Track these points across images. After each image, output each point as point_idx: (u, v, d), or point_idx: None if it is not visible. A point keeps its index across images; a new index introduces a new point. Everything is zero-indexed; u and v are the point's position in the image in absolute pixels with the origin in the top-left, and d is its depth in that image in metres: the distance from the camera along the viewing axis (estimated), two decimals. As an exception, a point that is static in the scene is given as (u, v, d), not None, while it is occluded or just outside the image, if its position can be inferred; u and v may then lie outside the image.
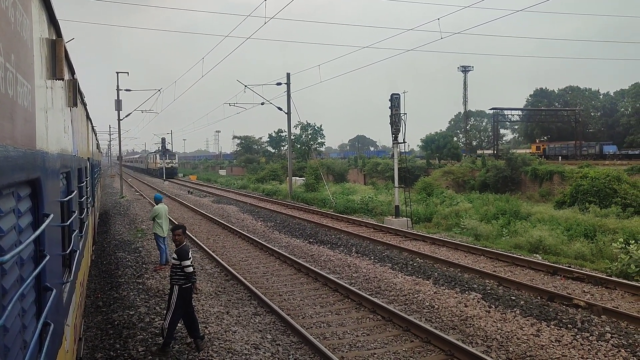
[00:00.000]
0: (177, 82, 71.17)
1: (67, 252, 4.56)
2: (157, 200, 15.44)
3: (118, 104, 37.14)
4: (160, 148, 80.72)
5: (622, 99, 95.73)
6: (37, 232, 2.62)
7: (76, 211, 5.59)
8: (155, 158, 78.46)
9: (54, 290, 2.98)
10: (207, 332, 9.11)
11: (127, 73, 38.47)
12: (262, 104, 38.22)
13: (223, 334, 9.13)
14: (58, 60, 3.78)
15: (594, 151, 68.67)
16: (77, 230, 5.68)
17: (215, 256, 16.14)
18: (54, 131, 3.68)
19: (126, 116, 40.23)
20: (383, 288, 12.69)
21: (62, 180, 4.56)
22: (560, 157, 67.82)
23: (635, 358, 7.99)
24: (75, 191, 5.57)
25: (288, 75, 37.13)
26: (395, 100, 24.82)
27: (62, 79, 4.04)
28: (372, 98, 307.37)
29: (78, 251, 5.54)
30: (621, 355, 8.11)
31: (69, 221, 4.59)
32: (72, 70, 5.53)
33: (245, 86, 36.31)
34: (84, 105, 9.85)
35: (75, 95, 5.40)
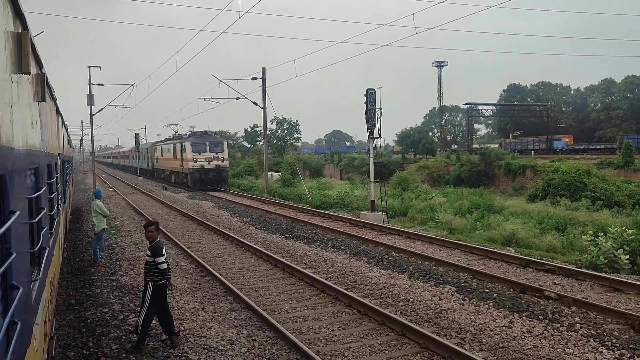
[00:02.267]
0: (150, 77, 70.15)
1: (36, 249, 4.47)
2: (97, 196, 15.23)
3: (90, 99, 36.47)
4: (191, 131, 45.80)
5: (592, 94, 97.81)
6: (2, 230, 2.57)
7: (45, 208, 5.49)
8: (181, 150, 42.61)
9: (21, 289, 2.92)
10: (182, 328, 9.05)
11: (100, 67, 37.81)
12: (238, 98, 37.97)
13: (198, 330, 9.07)
14: (24, 54, 3.69)
15: (544, 146, 73.81)
16: (46, 227, 5.58)
17: (190, 252, 16.02)
18: (20, 126, 3.60)
19: (99, 111, 39.55)
20: (359, 282, 12.75)
21: (30, 177, 4.47)
22: (516, 151, 70.54)
23: (603, 347, 8.18)
24: (44, 188, 5.46)
25: (263, 69, 36.97)
26: (370, 95, 24.89)
27: (29, 73, 3.96)
28: (348, 93, 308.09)
29: (48, 248, 5.44)
30: (590, 345, 8.29)
31: (37, 218, 4.50)
32: (39, 64, 5.42)
33: (220, 81, 36.00)
34: (54, 99, 9.66)
35: (43, 90, 5.29)
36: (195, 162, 40.52)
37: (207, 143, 41.49)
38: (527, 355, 8.15)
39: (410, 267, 13.60)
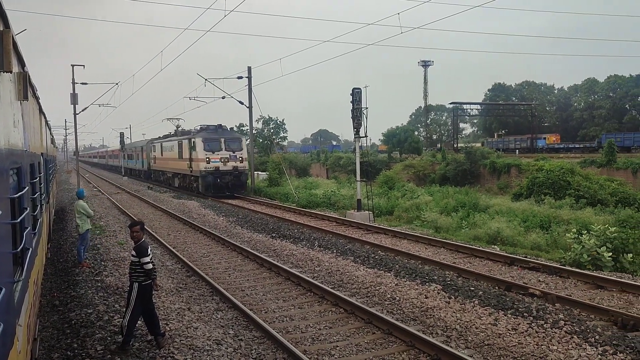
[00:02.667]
0: (135, 76, 69.53)
1: (19, 250, 4.42)
2: (79, 196, 15.08)
3: (74, 98, 36.06)
4: (200, 125, 37.14)
5: (575, 93, 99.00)
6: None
7: (28, 208, 5.42)
8: (189, 148, 35.24)
9: (4, 290, 2.88)
10: (168, 328, 8.99)
11: (83, 66, 37.42)
12: (223, 97, 37.75)
13: (184, 330, 9.03)
14: (5, 52, 3.65)
15: (525, 145, 75.18)
16: (29, 228, 5.51)
17: (176, 252, 15.93)
18: (1, 125, 3.55)
19: (82, 110, 39.13)
20: (345, 281, 12.77)
21: (13, 177, 4.42)
22: (500, 150, 71.74)
23: (587, 344, 8.27)
24: (27, 187, 5.40)
25: (249, 68, 36.86)
26: (356, 94, 24.94)
27: (11, 71, 3.91)
28: (334, 92, 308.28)
29: (31, 249, 5.38)
30: (574, 341, 8.39)
31: (20, 218, 4.45)
32: (22, 63, 5.35)
33: (206, 80, 35.81)
34: (37, 98, 9.55)
35: (25, 88, 5.22)
36: (208, 162, 33.28)
37: (223, 139, 34.14)
38: (512, 352, 8.22)
39: (397, 266, 13.65)
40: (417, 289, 11.62)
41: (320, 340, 8.95)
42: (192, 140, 34.80)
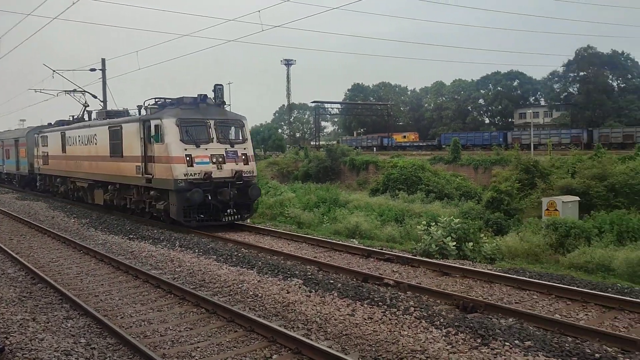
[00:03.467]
0: (-32, 64, 62.22)
1: None
2: None
3: None
4: (162, 100, 20.49)
5: (426, 95, 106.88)
6: None
7: None
8: (142, 137, 19.42)
9: None
10: (9, 343, 8.18)
11: None
12: (74, 90, 35.21)
13: (28, 343, 8.27)
14: None
15: (377, 143, 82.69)
16: None
17: (19, 258, 14.53)
18: None
19: None
20: (207, 280, 12.56)
21: None
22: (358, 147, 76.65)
23: (433, 327, 8.95)
24: None
25: (103, 60, 34.79)
26: (218, 91, 24.38)
27: None
28: (198, 88, 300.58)
29: None
30: (422, 326, 9.03)
31: None
32: None
33: (54, 71, 33.14)
34: None
35: None
36: (190, 164, 18.14)
37: (212, 122, 19.14)
38: (367, 340, 8.64)
39: (260, 263, 13.71)
40: (279, 284, 11.76)
41: (180, 342, 8.71)
42: (154, 123, 19.03)
